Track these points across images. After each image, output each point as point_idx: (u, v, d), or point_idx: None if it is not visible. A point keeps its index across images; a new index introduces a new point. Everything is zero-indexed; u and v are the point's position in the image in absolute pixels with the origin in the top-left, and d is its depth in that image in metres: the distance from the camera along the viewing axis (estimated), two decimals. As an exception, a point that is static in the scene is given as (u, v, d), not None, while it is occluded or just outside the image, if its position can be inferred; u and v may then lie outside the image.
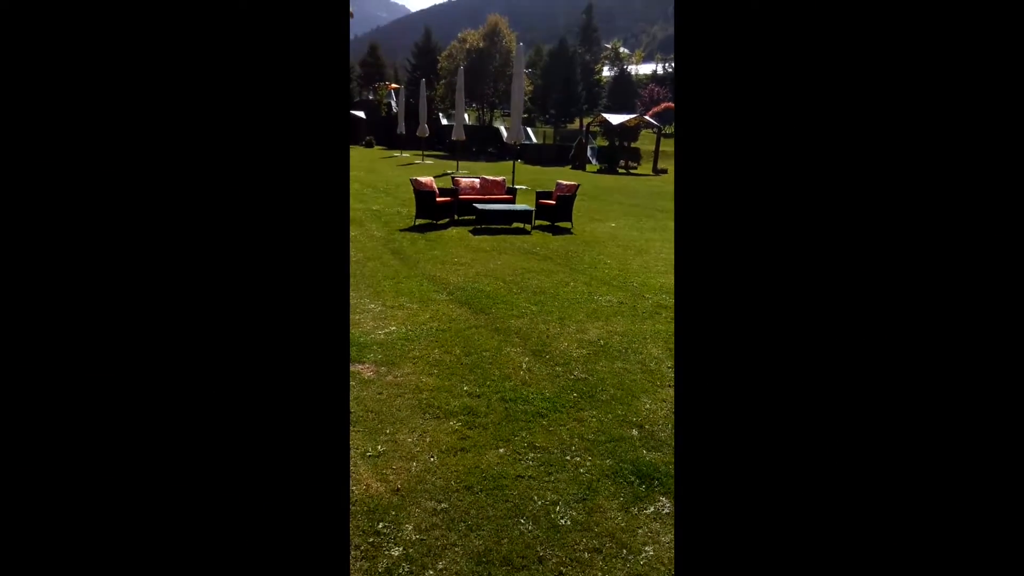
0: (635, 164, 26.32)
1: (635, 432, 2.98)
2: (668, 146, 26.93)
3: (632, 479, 2.58)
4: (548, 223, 9.02)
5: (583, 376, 3.64)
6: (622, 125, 26.31)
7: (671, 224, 10.14)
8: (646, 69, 55.95)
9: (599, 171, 24.17)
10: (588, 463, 2.70)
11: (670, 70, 51.62)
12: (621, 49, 61.98)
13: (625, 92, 45.65)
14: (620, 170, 24.95)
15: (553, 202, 8.88)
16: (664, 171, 24.88)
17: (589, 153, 26.34)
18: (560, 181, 9.42)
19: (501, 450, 2.78)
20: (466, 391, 3.37)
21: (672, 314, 4.93)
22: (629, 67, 50.95)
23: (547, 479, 2.57)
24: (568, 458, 2.73)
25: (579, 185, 9.27)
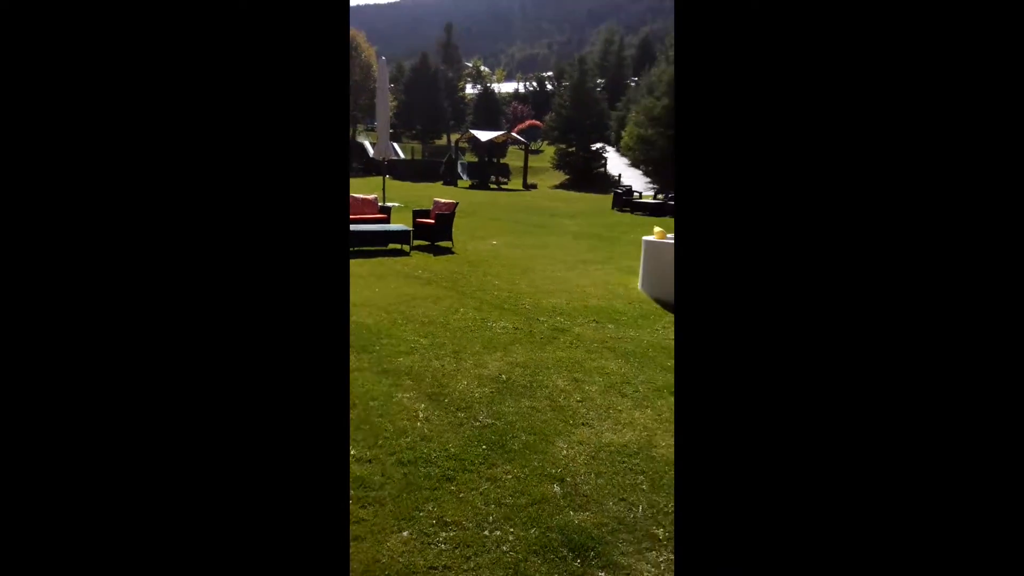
0: (505, 179, 26.62)
1: (557, 488, 2.62)
2: (535, 162, 27.57)
3: (563, 552, 2.20)
4: (427, 243, 8.52)
5: (489, 421, 3.23)
6: (491, 141, 26.52)
7: (552, 240, 10.11)
8: (508, 87, 57.28)
9: (471, 187, 24.08)
10: (511, 537, 2.28)
11: (531, 88, 53.32)
12: (482, 68, 63.15)
13: (490, 109, 46.22)
14: (492, 185, 25.07)
15: (432, 221, 8.42)
16: (534, 186, 25.42)
17: (459, 169, 26.18)
18: (437, 199, 8.99)
19: (405, 533, 2.27)
20: (354, 455, 2.80)
21: (571, 339, 4.69)
22: (492, 85, 51.78)
23: (466, 566, 2.11)
24: (487, 533, 2.29)
25: (458, 203, 8.90)
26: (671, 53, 19.77)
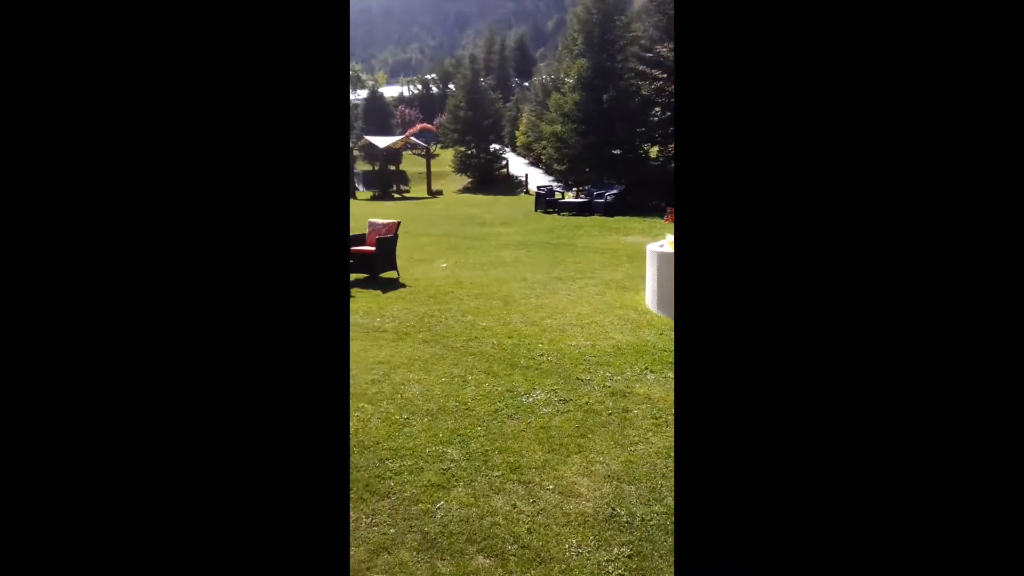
0: (406, 187, 24.74)
1: None
2: (433, 167, 25.86)
3: None
4: (366, 276, 6.75)
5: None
6: (389, 148, 24.50)
7: (503, 255, 8.68)
8: (391, 92, 54.44)
9: (372, 198, 22.00)
10: None
11: (416, 91, 51.15)
12: (361, 73, 60.02)
13: (379, 114, 43.48)
14: (395, 195, 23.11)
15: (371, 248, 6.67)
16: (439, 192, 23.78)
17: (356, 180, 23.90)
18: (372, 219, 7.24)
19: None
20: None
21: (647, 408, 3.32)
22: (379, 89, 48.79)
23: None
24: None
25: (399, 222, 7.19)
26: (575, 48, 19.03)
